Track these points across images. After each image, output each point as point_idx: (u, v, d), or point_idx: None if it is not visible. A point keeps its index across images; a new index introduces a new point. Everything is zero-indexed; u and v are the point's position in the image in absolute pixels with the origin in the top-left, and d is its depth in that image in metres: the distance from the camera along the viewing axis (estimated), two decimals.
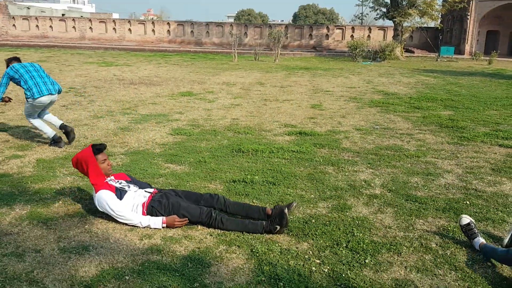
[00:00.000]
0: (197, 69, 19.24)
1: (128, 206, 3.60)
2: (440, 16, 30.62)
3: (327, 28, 42.59)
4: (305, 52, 34.60)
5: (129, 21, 44.26)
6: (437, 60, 28.66)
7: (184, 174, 4.95)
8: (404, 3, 28.90)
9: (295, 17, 75.80)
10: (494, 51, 27.95)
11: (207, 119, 8.36)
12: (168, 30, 42.86)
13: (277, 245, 3.32)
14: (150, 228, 3.53)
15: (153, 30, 42.98)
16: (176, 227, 3.53)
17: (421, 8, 27.93)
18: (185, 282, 2.78)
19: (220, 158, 5.67)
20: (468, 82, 15.72)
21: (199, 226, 3.58)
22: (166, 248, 3.22)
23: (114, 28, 43.18)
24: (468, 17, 34.38)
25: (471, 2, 33.91)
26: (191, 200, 3.75)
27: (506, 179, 5.00)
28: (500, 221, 3.84)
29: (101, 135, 6.87)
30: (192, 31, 42.60)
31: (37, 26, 41.01)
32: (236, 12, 76.97)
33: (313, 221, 3.77)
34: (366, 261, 3.10)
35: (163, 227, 3.51)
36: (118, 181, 3.82)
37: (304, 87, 13.62)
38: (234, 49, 26.34)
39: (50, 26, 41.23)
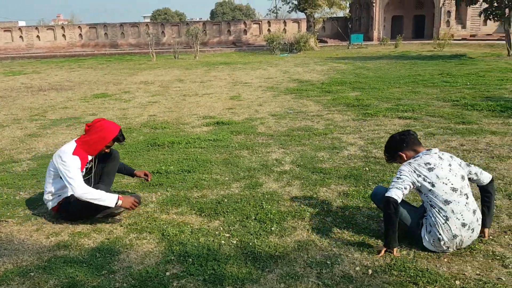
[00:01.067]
0: (113, 71, 18.65)
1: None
2: (348, 6, 32.19)
3: (245, 23, 43.14)
4: (225, 48, 34.78)
5: (37, 28, 41.74)
6: (348, 48, 30.19)
7: None
8: None
9: (213, 14, 75.73)
10: (399, 35, 29.99)
11: (122, 118, 8.20)
12: (80, 34, 40.99)
13: (188, 226, 3.39)
14: (105, 204, 3.31)
15: (63, 35, 40.91)
16: (130, 206, 3.39)
17: None
18: (93, 271, 2.77)
19: (134, 154, 5.62)
20: (375, 65, 16.77)
21: (109, 219, 3.56)
22: (74, 243, 3.17)
23: (21, 36, 40.52)
24: (374, 4, 36.53)
25: None
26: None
27: None
28: None
29: (6, 143, 6.49)
30: (106, 33, 41.09)
31: None
32: (152, 12, 75.26)
33: (226, 200, 3.89)
34: (272, 228, 3.28)
35: (118, 204, 3.34)
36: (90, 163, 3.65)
37: (224, 81, 13.75)
38: (151, 49, 25.83)
39: None
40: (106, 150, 3.66)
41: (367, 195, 3.84)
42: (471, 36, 34.52)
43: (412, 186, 2.87)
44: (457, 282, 2.55)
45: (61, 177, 3.43)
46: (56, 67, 22.36)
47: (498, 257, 2.79)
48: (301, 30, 37.30)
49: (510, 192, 3.84)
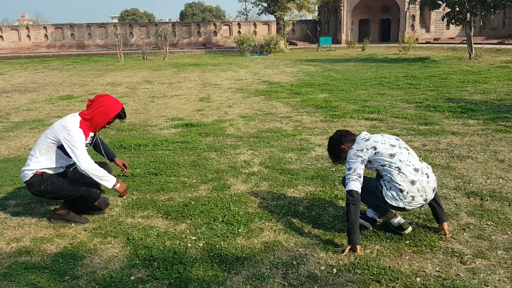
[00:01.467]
0: (79, 72, 18.23)
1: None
2: (316, 9, 32.64)
3: (215, 25, 43.02)
4: (195, 49, 34.57)
5: (0, 28, 40.28)
6: (317, 50, 30.58)
7: None
8: None
9: (182, 15, 75.17)
10: (366, 38, 30.61)
11: None
12: (46, 35, 39.89)
13: (154, 230, 3.36)
14: (102, 180, 3.28)
15: (28, 36, 39.70)
16: (122, 194, 3.40)
17: (298, 1, 29.53)
18: (55, 277, 2.70)
19: (99, 156, 5.49)
20: (343, 67, 17.06)
21: (72, 224, 3.48)
22: (36, 249, 3.08)
23: None
24: (342, 8, 37.16)
25: None
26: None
27: None
28: None
29: None
30: (72, 34, 40.14)
31: None
32: (120, 13, 74.04)
33: (193, 203, 3.87)
34: (239, 230, 3.29)
35: (113, 187, 3.34)
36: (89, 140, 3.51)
37: (194, 82, 13.68)
38: (119, 50, 25.40)
39: None
40: (107, 126, 3.51)
41: (333, 195, 3.90)
42: (434, 39, 35.61)
43: (363, 165, 3.05)
44: (418, 279, 2.62)
45: (57, 149, 3.35)
46: (20, 68, 21.66)
47: (457, 254, 2.89)
48: (271, 32, 37.54)
49: (468, 190, 3.99)
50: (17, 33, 39.59)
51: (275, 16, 31.75)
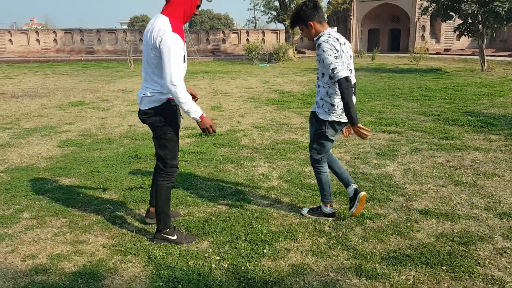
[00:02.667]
0: (90, 78, 18.22)
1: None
2: (326, 18, 32.58)
3: (223, 32, 43.13)
4: (203, 57, 34.61)
5: (9, 31, 40.54)
6: None
7: (74, 187, 4.61)
8: (292, 6, 30.30)
9: (191, 23, 75.45)
10: (376, 48, 30.49)
11: (101, 127, 7.93)
12: (55, 39, 40.12)
13: (176, 247, 3.22)
14: (188, 112, 3.00)
15: (37, 40, 39.93)
16: (206, 128, 3.12)
17: None
18: None
19: (115, 167, 5.39)
20: None
21: (90, 239, 3.35)
22: (53, 267, 2.95)
23: None
24: (351, 17, 37.14)
25: (352, 3, 36.67)
26: None
27: (390, 161, 5.43)
28: (385, 199, 4.15)
29: None
30: (82, 39, 40.36)
31: None
32: (129, 19, 74.50)
33: (213, 218, 3.73)
34: (265, 251, 3.14)
35: (197, 121, 3.07)
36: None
37: (204, 90, 13.59)
38: (129, 56, 25.43)
39: None
40: (197, 13, 3.08)
41: (359, 214, 3.75)
42: (444, 50, 35.41)
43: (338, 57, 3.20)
44: None
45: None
46: (29, 72, 21.72)
47: (498, 282, 2.73)
48: (280, 40, 37.51)
49: (500, 211, 3.82)
50: (27, 37, 39.82)
51: (284, 24, 31.71)
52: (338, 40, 3.27)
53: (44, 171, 5.23)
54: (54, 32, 40.80)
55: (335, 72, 3.14)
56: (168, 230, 3.28)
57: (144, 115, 3.16)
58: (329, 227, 3.55)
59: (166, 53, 2.85)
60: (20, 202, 4.17)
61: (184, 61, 3.06)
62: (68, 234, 3.47)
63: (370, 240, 3.31)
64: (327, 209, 3.69)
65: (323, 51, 3.19)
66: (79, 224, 3.65)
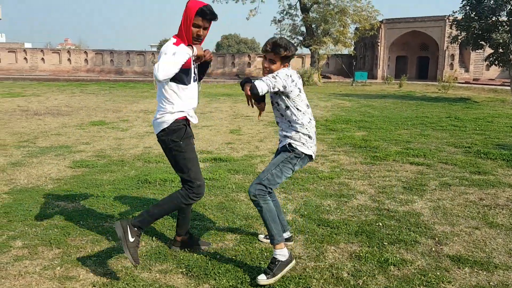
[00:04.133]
0: (115, 98, 18.37)
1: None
2: (353, 44, 32.40)
3: (249, 56, 43.45)
4: (228, 80, 34.80)
5: (42, 50, 41.94)
6: (352, 85, 30.12)
7: (75, 212, 4.34)
8: (319, 31, 30.26)
9: (218, 46, 76.66)
10: (404, 75, 29.98)
11: (116, 148, 7.74)
12: (86, 59, 41.22)
13: None
14: (180, 60, 2.94)
15: (69, 60, 41.10)
16: (202, 54, 3.17)
17: (335, 36, 29.38)
18: None
19: (122, 191, 5.11)
20: (380, 104, 16.47)
21: (80, 275, 3.03)
22: None
23: (25, 58, 40.71)
24: (379, 43, 36.85)
25: (380, 30, 36.42)
26: None
27: (417, 197, 4.98)
28: (412, 242, 3.70)
29: None
30: (112, 60, 41.33)
31: None
32: (159, 42, 76.18)
33: (218, 257, 3.38)
34: None
35: (193, 55, 3.10)
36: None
37: (225, 113, 13.40)
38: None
39: None
40: (199, 33, 3.10)
41: (382, 258, 3.32)
42: (474, 80, 34.57)
43: (281, 89, 3.04)
44: None
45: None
46: (57, 90, 22.13)
47: None
48: (305, 65, 37.45)
49: None
50: (58, 56, 41.05)
51: (310, 49, 31.66)
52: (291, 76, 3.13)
53: (49, 193, 5.00)
54: (86, 52, 41.96)
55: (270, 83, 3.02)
56: (136, 229, 3.05)
57: (159, 141, 3.23)
58: (348, 274, 3.13)
59: (160, 56, 3.01)
60: (16, 228, 3.91)
61: (191, 82, 3.23)
62: (58, 268, 3.16)
63: None
64: (284, 253, 3.02)
65: (279, 78, 3.04)
66: (72, 257, 3.34)
